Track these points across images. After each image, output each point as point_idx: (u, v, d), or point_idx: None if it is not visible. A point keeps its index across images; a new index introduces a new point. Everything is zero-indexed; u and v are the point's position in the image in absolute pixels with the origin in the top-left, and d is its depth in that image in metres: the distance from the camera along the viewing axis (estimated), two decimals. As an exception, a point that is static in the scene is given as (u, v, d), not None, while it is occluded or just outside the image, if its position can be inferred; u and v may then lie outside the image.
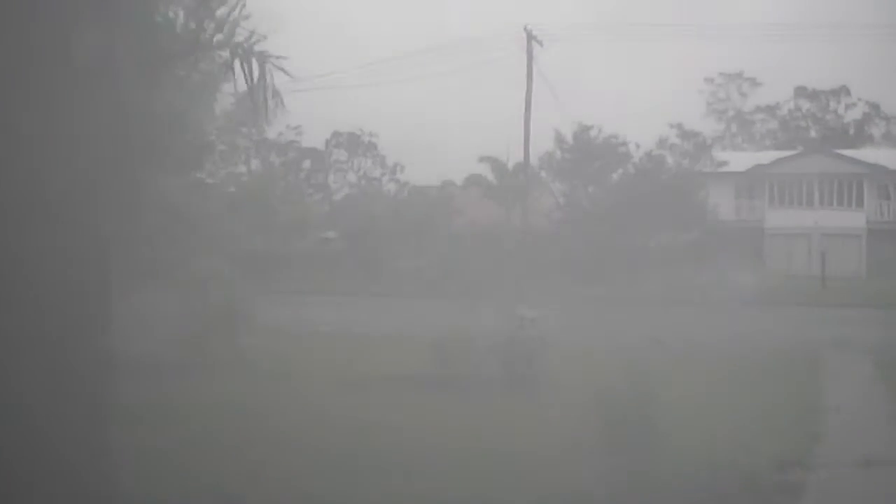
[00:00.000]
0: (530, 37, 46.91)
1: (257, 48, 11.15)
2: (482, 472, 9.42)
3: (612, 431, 9.43)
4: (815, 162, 56.37)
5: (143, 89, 9.91)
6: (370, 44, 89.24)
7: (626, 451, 9.06)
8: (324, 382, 14.52)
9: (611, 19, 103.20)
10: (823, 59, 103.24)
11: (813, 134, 74.81)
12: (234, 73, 11.58)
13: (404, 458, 9.71)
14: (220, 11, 11.31)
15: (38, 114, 6.60)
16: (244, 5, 11.43)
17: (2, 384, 6.53)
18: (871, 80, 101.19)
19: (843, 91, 75.22)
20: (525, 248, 42.74)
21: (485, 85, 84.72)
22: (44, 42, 6.58)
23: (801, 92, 75.76)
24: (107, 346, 7.22)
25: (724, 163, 50.86)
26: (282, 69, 11.29)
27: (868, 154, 59.49)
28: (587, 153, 43.77)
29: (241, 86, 11.58)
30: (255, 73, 11.18)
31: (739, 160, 56.46)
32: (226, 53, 11.38)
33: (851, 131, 74.19)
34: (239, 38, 11.20)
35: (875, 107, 75.22)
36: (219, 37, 11.23)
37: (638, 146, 44.29)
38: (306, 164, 58.84)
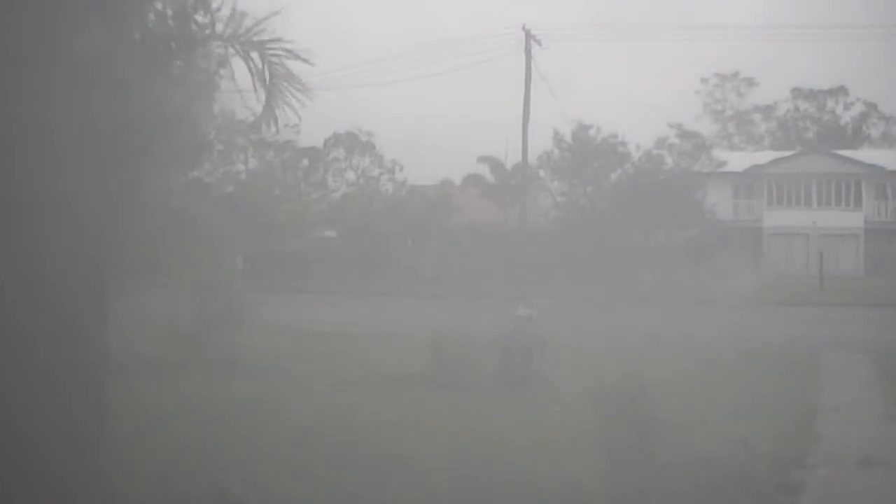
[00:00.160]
0: (529, 36, 46.94)
1: (256, 39, 11.11)
2: (480, 472, 9.41)
3: (611, 430, 9.41)
4: (812, 162, 56.47)
5: (140, 87, 9.89)
6: (369, 43, 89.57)
7: (625, 449, 9.03)
8: (322, 381, 14.54)
9: (609, 19, 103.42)
10: (821, 59, 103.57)
11: (811, 134, 74.90)
12: (232, 70, 11.57)
13: (402, 456, 9.69)
14: (217, 3, 11.27)
15: (34, 113, 6.58)
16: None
17: (1, 384, 6.52)
18: (869, 80, 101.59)
19: (840, 91, 75.39)
20: (523, 247, 42.74)
21: (483, 84, 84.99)
22: (40, 40, 6.57)
23: (798, 92, 75.87)
24: (104, 344, 7.20)
25: (723, 163, 50.93)
26: (298, 56, 11.19)
27: (866, 154, 59.66)
28: (586, 153, 43.70)
29: (241, 83, 11.56)
30: (262, 67, 11.13)
31: (737, 160, 56.52)
32: (222, 50, 11.34)
33: (849, 131, 74.28)
34: (240, 30, 11.15)
35: (873, 107, 75.43)
36: (220, 29, 11.20)
37: (638, 147, 44.34)
38: (304, 162, 58.73)
